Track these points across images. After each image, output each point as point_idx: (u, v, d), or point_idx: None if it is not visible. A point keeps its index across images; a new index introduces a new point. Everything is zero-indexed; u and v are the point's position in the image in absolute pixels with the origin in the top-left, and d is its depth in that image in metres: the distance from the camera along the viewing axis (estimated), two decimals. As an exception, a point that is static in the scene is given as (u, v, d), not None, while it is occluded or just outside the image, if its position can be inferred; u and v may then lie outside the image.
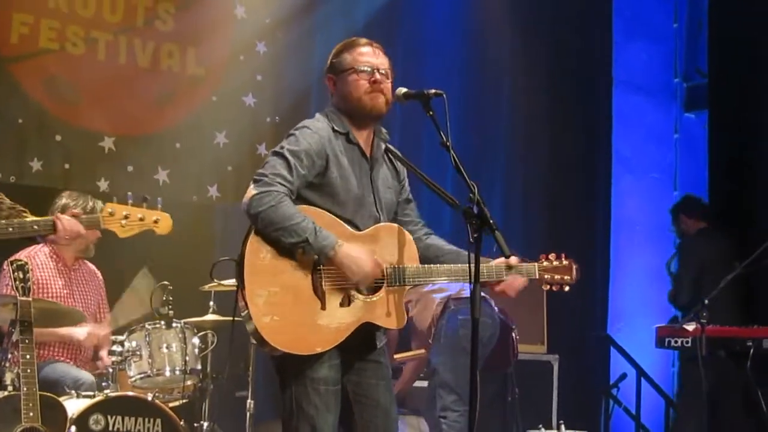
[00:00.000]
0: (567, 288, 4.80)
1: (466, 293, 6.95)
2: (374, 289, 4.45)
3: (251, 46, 9.29)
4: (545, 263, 4.78)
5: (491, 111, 10.32)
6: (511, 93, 10.41)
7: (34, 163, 8.22)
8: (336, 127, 4.54)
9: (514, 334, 7.77)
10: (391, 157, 4.75)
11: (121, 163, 8.47)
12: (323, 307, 4.36)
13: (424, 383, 7.77)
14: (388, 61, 4.64)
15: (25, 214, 4.50)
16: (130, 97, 8.71)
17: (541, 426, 8.31)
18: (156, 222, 4.82)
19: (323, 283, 4.35)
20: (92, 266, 7.29)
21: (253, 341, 4.43)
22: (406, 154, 4.83)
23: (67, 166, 8.31)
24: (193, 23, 9.02)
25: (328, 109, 4.63)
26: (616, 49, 10.90)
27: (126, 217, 4.72)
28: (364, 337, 4.49)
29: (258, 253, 4.34)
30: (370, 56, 4.58)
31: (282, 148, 4.44)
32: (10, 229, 4.39)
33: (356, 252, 4.36)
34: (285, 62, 9.31)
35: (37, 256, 6.95)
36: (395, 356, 7.72)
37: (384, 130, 4.72)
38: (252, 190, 4.34)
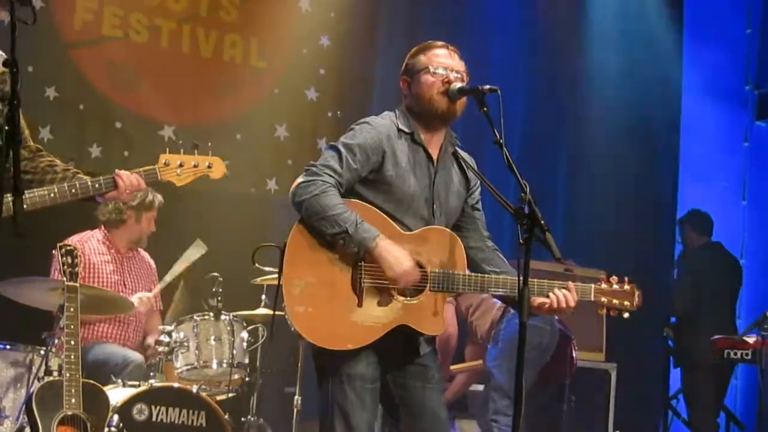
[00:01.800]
0: (626, 315, 4.60)
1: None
2: (415, 292, 4.35)
3: (315, 40, 9.24)
4: (604, 286, 4.59)
5: (555, 117, 10.20)
6: (576, 98, 10.27)
7: (94, 149, 8.25)
8: (401, 126, 4.48)
9: (572, 346, 7.66)
10: (462, 162, 4.64)
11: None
12: (360, 304, 4.27)
13: (480, 387, 7.69)
14: (464, 65, 4.56)
15: (79, 175, 4.47)
16: (192, 86, 8.71)
17: (598, 435, 8.22)
18: (209, 167, 4.81)
19: (363, 280, 4.27)
20: (145, 254, 7.30)
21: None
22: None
23: (126, 153, 8.35)
24: (257, 15, 9.00)
25: (398, 109, 4.57)
26: (686, 54, 10.73)
27: (181, 166, 4.71)
28: (405, 341, 4.41)
29: (299, 243, 4.28)
30: (445, 58, 4.51)
31: (338, 141, 4.41)
32: (73, 191, 4.35)
33: (396, 249, 4.26)
34: (348, 56, 9.25)
35: (90, 242, 6.98)
36: (452, 367, 7.65)
37: (454, 134, 4.63)
38: (300, 179, 4.32)
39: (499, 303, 7.13)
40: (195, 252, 7.00)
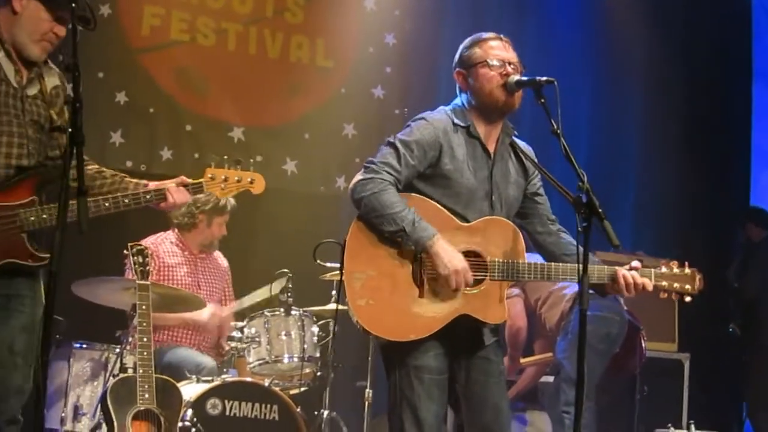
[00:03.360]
0: (689, 298, 4.57)
1: (595, 290, 6.88)
2: (476, 282, 4.38)
3: (380, 38, 9.34)
4: (664, 270, 4.58)
5: (623, 106, 10.16)
6: (644, 87, 10.23)
7: (165, 152, 8.40)
8: (457, 121, 4.51)
9: (641, 337, 7.63)
10: (519, 152, 4.68)
11: (250, 153, 8.55)
12: (421, 295, 4.32)
13: (550, 378, 7.70)
14: (517, 56, 4.58)
15: (127, 179, 4.60)
16: (260, 88, 8.82)
17: (670, 425, 8.15)
18: (251, 182, 4.93)
19: (423, 272, 4.32)
20: (219, 254, 7.39)
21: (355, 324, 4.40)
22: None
23: (196, 155, 8.48)
24: (322, 15, 9.11)
25: (453, 102, 4.61)
26: (756, 41, 10.61)
27: (225, 180, 4.84)
28: (470, 331, 4.45)
29: (359, 237, 4.35)
30: (500, 50, 4.53)
31: (395, 137, 4.46)
32: (126, 201, 4.49)
33: (451, 249, 4.30)
34: (414, 54, 9.32)
35: (164, 243, 7.08)
36: (522, 360, 7.66)
37: (510, 125, 4.66)
38: (358, 176, 4.37)
39: (568, 295, 7.13)
40: (278, 285, 7.06)
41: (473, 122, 4.52)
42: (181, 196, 4.63)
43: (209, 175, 4.80)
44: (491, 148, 4.56)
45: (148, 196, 4.56)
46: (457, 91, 4.63)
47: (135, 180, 4.63)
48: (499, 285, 4.43)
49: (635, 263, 4.54)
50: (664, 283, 4.56)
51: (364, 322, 4.30)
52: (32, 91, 4.42)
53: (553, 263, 4.51)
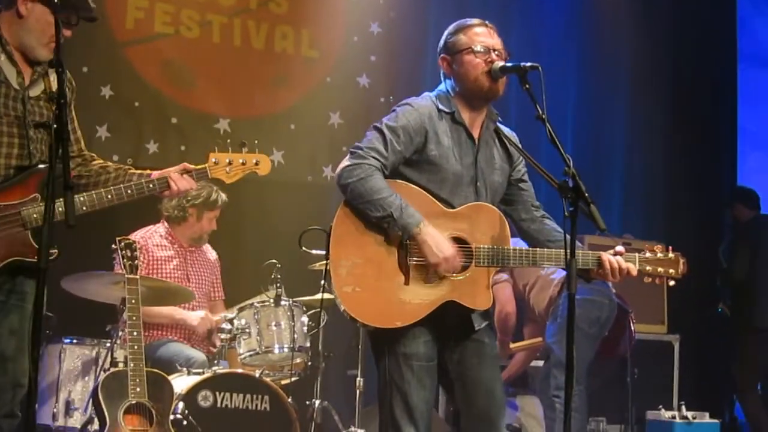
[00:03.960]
0: (672, 282, 4.62)
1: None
2: (462, 269, 4.39)
3: (365, 27, 9.34)
4: (648, 255, 4.61)
5: (609, 91, 10.19)
6: (630, 72, 10.26)
7: (151, 145, 8.40)
8: (441, 107, 4.51)
9: (630, 319, 7.66)
10: (503, 138, 4.68)
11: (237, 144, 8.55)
12: (407, 282, 4.32)
13: (540, 363, 7.72)
14: (502, 42, 4.58)
15: (131, 171, 4.61)
16: (245, 79, 8.83)
17: (661, 407, 8.21)
18: (257, 164, 4.90)
19: (409, 258, 4.32)
20: (208, 246, 7.38)
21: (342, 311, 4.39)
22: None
23: (183, 148, 8.48)
24: (306, 5, 9.12)
25: (437, 89, 4.61)
26: (740, 22, 10.63)
27: (229, 164, 4.81)
28: (459, 317, 4.45)
29: (344, 224, 4.34)
30: (485, 36, 4.53)
31: (381, 123, 4.45)
32: (129, 191, 4.50)
33: (439, 236, 4.31)
34: (398, 42, 9.32)
35: (153, 237, 7.08)
36: (512, 345, 7.69)
37: (495, 111, 4.66)
38: (345, 161, 4.37)
39: (556, 279, 7.15)
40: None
41: (458, 108, 4.52)
42: (185, 183, 4.63)
43: (213, 160, 4.79)
44: (476, 134, 4.56)
45: (151, 185, 4.56)
46: (442, 77, 4.62)
47: (139, 171, 4.64)
48: (486, 271, 4.43)
49: (619, 248, 4.56)
50: (648, 267, 4.59)
51: (350, 310, 4.29)
52: (35, 92, 4.44)
53: (538, 249, 4.52)
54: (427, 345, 4.41)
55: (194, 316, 6.87)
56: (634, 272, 4.53)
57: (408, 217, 4.27)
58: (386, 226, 4.28)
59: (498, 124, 4.67)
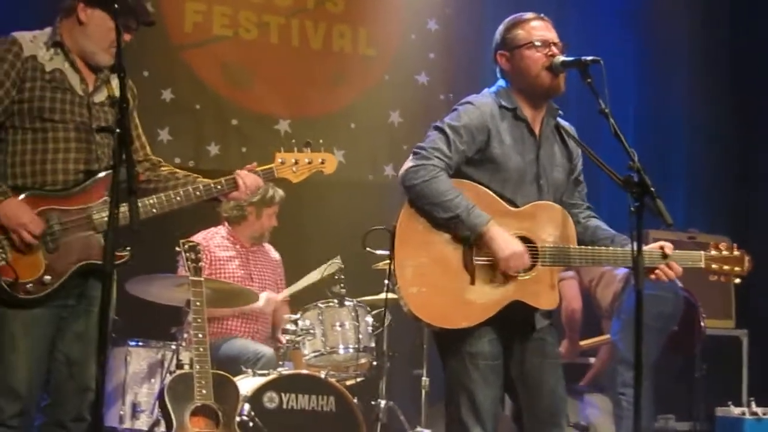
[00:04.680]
0: (738, 280, 4.60)
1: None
2: (527, 268, 4.35)
3: (422, 24, 9.31)
4: (714, 252, 4.59)
5: (670, 80, 10.08)
6: (690, 62, 10.13)
7: (212, 147, 8.42)
8: (503, 103, 4.47)
9: (700, 314, 7.58)
10: (563, 134, 4.64)
11: (297, 145, 8.56)
12: (472, 282, 4.29)
13: (606, 360, 7.69)
14: (557, 34, 4.53)
15: (199, 179, 4.63)
16: (304, 79, 8.82)
17: (730, 403, 8.10)
18: (322, 163, 4.90)
19: (474, 258, 4.29)
20: (270, 247, 7.41)
21: (406, 312, 4.36)
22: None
23: (243, 149, 8.49)
24: (363, 4, 9.11)
25: (498, 85, 4.56)
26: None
27: (296, 163, 4.82)
28: (521, 316, 4.41)
29: (409, 224, 4.32)
30: (543, 30, 4.48)
31: (443, 122, 4.41)
32: (197, 193, 4.53)
33: (506, 234, 4.28)
34: (456, 39, 9.27)
35: (215, 238, 7.11)
36: (581, 342, 7.63)
37: (556, 106, 4.61)
38: (409, 162, 4.33)
39: (620, 275, 7.09)
40: (331, 268, 7.06)
41: (519, 104, 4.48)
42: (252, 181, 4.64)
43: (279, 160, 4.80)
44: (537, 130, 4.52)
45: (219, 186, 4.58)
46: (498, 74, 4.58)
47: (207, 180, 4.64)
48: (552, 270, 4.39)
49: (669, 247, 4.50)
50: (714, 266, 4.57)
51: (416, 310, 4.27)
52: (100, 97, 4.48)
53: (603, 248, 4.47)
54: (492, 344, 4.38)
55: (260, 298, 6.93)
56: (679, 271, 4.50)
57: (475, 218, 4.24)
58: (453, 227, 4.26)
59: (558, 119, 4.62)
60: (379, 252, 6.22)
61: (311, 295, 7.06)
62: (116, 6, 4.03)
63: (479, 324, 4.32)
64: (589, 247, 4.46)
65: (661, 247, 4.46)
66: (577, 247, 4.43)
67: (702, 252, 4.57)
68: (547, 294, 4.39)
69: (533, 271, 4.34)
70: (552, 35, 4.48)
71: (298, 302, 7.12)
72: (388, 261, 6.51)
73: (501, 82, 4.56)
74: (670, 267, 4.46)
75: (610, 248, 4.45)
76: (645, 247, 4.35)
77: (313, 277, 7.15)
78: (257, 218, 7.21)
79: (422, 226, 4.31)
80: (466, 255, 4.30)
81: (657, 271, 4.46)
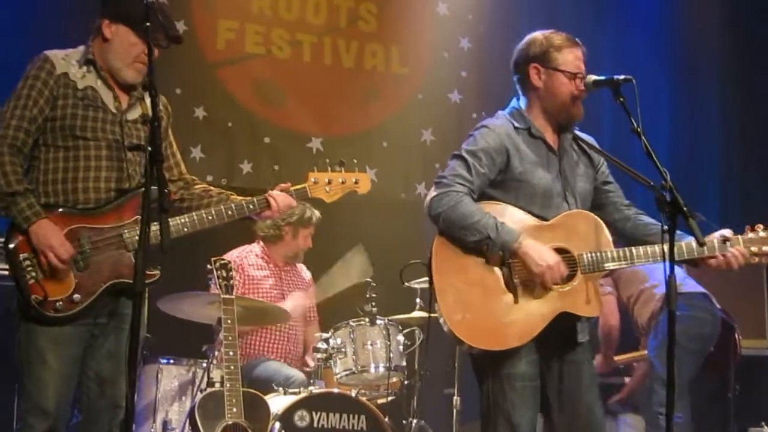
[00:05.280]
0: None
1: (686, 288, 6.83)
2: (568, 278, 4.35)
3: (455, 43, 9.33)
4: (751, 235, 4.55)
5: (702, 95, 10.04)
6: (721, 79, 10.09)
7: (244, 165, 8.44)
8: (517, 124, 4.50)
9: (736, 335, 7.52)
10: (582, 144, 4.64)
11: (329, 163, 8.56)
12: (516, 301, 4.31)
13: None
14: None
15: (233, 197, 4.65)
16: (336, 97, 8.86)
17: (763, 423, 8.03)
18: (356, 182, 4.90)
19: (515, 276, 4.30)
20: (302, 266, 7.41)
21: (453, 340, 4.38)
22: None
23: (276, 167, 8.51)
24: (395, 22, 9.12)
25: (510, 106, 4.60)
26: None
27: (329, 183, 4.82)
28: (563, 332, 4.42)
29: (442, 253, 4.34)
30: (580, 60, 4.52)
31: (460, 150, 4.45)
32: (230, 212, 4.55)
33: (539, 246, 4.28)
34: (489, 57, 9.26)
35: (249, 256, 7.12)
36: (615, 358, 7.59)
37: None
38: (432, 192, 4.38)
39: (659, 294, 7.05)
40: (356, 259, 7.06)
41: (533, 123, 4.50)
42: (284, 201, 4.65)
43: (312, 180, 4.80)
44: (555, 145, 4.54)
45: (251, 206, 4.59)
46: (518, 85, 4.61)
47: (240, 197, 4.65)
48: (592, 277, 4.39)
49: (726, 232, 4.51)
50: (753, 248, 4.53)
51: (464, 337, 4.29)
52: (133, 115, 4.50)
53: (639, 247, 4.46)
54: (530, 364, 4.39)
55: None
56: (745, 255, 4.48)
57: (505, 235, 4.25)
58: (485, 249, 4.28)
59: (576, 131, 4.65)
60: (416, 285, 6.23)
61: (342, 314, 7.05)
62: (148, 24, 4.03)
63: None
64: (624, 249, 4.44)
65: (722, 236, 4.47)
66: (614, 250, 4.42)
67: (740, 236, 4.53)
68: (590, 301, 4.39)
69: (574, 280, 4.35)
70: (583, 67, 4.52)
71: (329, 320, 7.10)
72: (419, 280, 6.59)
73: (514, 102, 4.60)
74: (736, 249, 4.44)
75: (648, 247, 4.43)
76: (684, 241, 4.37)
77: (338, 274, 7.15)
78: (293, 238, 7.21)
79: (456, 253, 4.33)
80: (504, 274, 4.32)
81: (727, 256, 4.44)
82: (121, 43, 4.42)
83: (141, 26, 4.22)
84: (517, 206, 4.39)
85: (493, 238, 4.24)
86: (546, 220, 4.41)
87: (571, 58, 4.49)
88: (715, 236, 4.49)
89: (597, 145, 4.67)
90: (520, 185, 4.41)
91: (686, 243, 4.40)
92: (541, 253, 4.26)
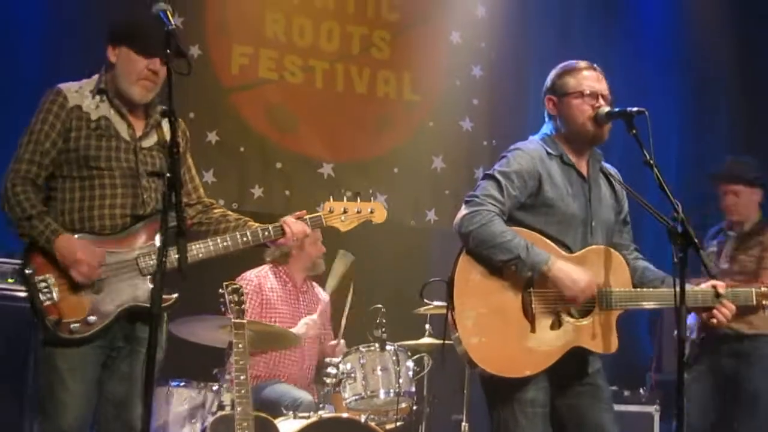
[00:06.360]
0: None
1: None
2: (584, 313, 4.39)
3: (467, 71, 9.37)
4: (764, 288, 4.59)
5: (712, 125, 10.05)
6: (732, 110, 10.10)
7: (256, 189, 8.49)
8: (549, 150, 4.53)
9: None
10: (609, 178, 4.68)
11: (340, 188, 8.57)
12: (533, 330, 4.33)
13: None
14: (607, 86, 4.60)
15: (250, 223, 4.68)
16: (348, 123, 8.91)
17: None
18: (372, 212, 4.95)
19: (534, 305, 4.33)
20: (320, 289, 7.41)
21: (465, 362, 4.40)
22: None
23: (287, 192, 8.55)
24: (408, 50, 9.17)
25: (542, 132, 4.62)
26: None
27: (345, 212, 4.87)
28: (575, 361, 4.44)
29: (467, 274, 4.35)
30: (593, 81, 4.55)
31: (493, 170, 4.47)
32: (245, 239, 4.58)
33: (571, 267, 4.32)
34: (500, 85, 9.33)
35: (268, 277, 7.11)
36: None
37: (598, 151, 4.68)
38: (463, 210, 4.39)
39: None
40: (340, 262, 7.10)
41: (564, 150, 4.53)
42: (299, 228, 4.68)
43: (328, 208, 4.84)
44: (585, 173, 4.58)
45: (266, 233, 4.63)
46: (546, 117, 4.64)
47: (258, 224, 4.69)
48: (610, 314, 4.42)
49: (721, 285, 4.52)
50: (765, 301, 4.58)
51: (478, 360, 4.31)
52: (149, 142, 4.55)
53: (653, 289, 4.50)
54: (541, 391, 4.41)
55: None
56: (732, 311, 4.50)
57: (536, 256, 4.28)
58: (514, 269, 4.30)
59: (603, 163, 4.69)
60: (435, 303, 6.25)
61: (351, 339, 7.06)
62: (168, 51, 4.05)
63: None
64: (639, 290, 4.48)
65: (714, 287, 4.47)
66: (629, 290, 4.46)
67: (753, 289, 4.57)
68: (606, 338, 4.42)
69: (592, 315, 4.38)
70: (601, 87, 4.56)
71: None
72: (429, 306, 6.61)
73: (545, 129, 4.63)
74: (725, 306, 4.46)
75: (662, 289, 4.47)
76: (698, 287, 4.42)
77: (334, 275, 7.19)
78: (301, 250, 7.20)
79: (480, 276, 4.35)
80: (525, 302, 4.34)
81: (714, 312, 4.47)
82: (123, 63, 4.46)
83: (140, 44, 4.35)
84: (542, 233, 4.42)
85: (523, 258, 4.27)
86: (569, 247, 4.44)
87: (581, 80, 4.54)
88: (708, 285, 4.52)
89: (620, 178, 4.72)
90: (549, 210, 4.45)
91: (692, 290, 4.41)
92: (571, 275, 4.29)
